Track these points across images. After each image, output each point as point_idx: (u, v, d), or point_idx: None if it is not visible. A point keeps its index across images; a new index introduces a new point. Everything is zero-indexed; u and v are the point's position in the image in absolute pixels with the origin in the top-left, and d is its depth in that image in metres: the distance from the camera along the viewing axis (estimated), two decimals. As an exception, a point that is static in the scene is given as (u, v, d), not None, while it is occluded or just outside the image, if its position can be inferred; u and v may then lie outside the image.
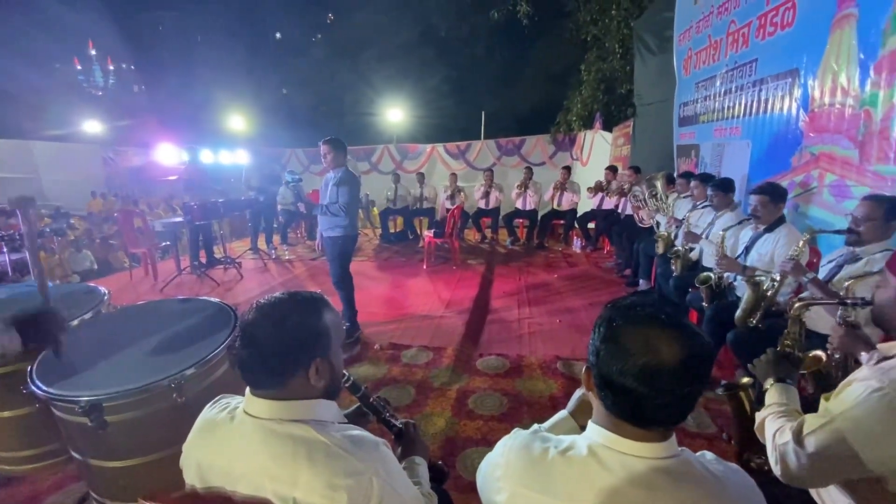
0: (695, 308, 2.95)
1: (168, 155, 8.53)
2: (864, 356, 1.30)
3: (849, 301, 1.35)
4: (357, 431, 0.87)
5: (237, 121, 14.03)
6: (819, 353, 1.41)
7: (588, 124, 8.82)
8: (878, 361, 1.01)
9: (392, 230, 7.97)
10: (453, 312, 4.10)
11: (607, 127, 8.19)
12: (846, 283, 1.64)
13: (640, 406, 0.70)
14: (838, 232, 2.06)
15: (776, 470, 1.06)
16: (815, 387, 1.35)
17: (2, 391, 1.64)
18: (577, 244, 6.73)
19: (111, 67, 36.35)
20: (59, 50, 29.85)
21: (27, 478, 2.01)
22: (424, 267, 5.77)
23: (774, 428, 1.09)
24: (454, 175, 7.68)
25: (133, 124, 18.45)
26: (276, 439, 0.81)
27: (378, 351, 3.33)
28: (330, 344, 0.89)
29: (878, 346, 1.08)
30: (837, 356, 1.40)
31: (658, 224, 4.22)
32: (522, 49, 12.99)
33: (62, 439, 1.54)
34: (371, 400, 1.16)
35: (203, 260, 5.63)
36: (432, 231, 5.97)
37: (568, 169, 7.04)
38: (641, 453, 0.72)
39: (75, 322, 1.80)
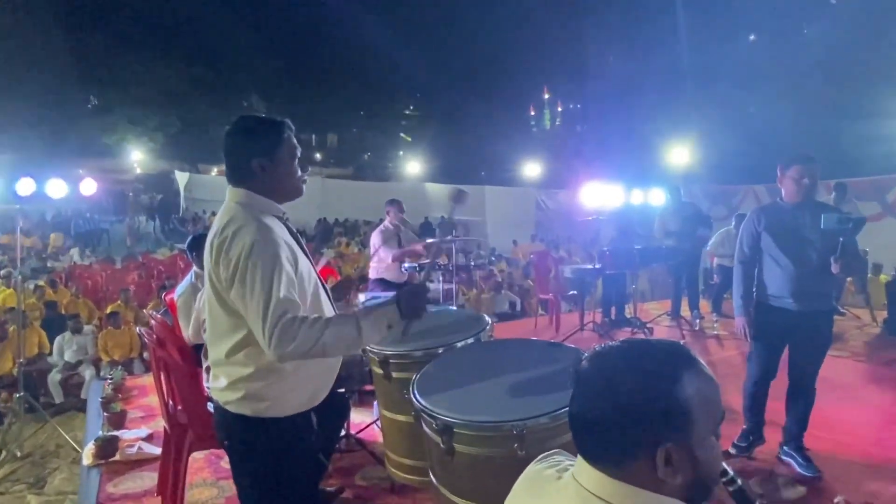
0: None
1: (594, 195, 7.10)
2: None
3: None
4: None
5: (679, 154, 12.46)
6: None
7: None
8: None
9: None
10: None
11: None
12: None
13: None
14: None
15: None
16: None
17: (400, 395, 1.72)
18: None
19: (559, 109, 35.82)
20: (519, 98, 31.13)
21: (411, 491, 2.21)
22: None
23: None
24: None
25: (568, 165, 18.42)
26: None
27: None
28: (690, 427, 0.63)
29: None
30: None
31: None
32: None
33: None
34: None
35: (613, 317, 5.11)
36: None
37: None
38: None
39: (459, 344, 1.82)
